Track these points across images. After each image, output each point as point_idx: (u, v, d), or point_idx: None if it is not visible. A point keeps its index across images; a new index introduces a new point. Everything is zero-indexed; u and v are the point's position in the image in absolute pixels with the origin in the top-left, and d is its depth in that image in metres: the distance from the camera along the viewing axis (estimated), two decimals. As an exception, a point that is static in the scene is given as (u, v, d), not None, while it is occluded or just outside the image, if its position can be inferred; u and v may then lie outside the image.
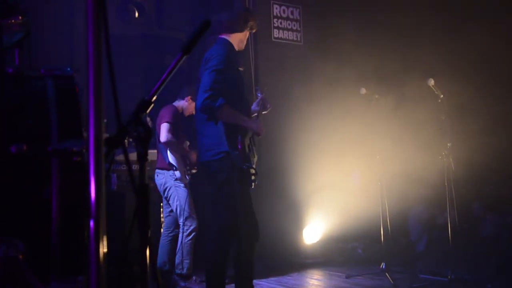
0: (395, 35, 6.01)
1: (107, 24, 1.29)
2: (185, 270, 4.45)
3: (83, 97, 1.27)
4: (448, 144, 4.67)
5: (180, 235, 4.48)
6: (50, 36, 4.86)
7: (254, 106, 3.67)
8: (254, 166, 3.34)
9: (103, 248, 1.24)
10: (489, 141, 5.02)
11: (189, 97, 4.71)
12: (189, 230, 4.44)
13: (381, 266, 4.79)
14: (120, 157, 4.21)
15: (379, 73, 5.66)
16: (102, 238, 1.23)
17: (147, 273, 1.40)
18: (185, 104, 4.75)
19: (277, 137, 5.50)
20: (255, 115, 3.62)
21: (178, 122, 4.58)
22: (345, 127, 5.74)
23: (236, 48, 3.52)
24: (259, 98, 3.70)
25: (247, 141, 3.36)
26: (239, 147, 3.28)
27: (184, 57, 1.55)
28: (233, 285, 3.44)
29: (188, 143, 4.69)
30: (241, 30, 3.49)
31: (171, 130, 4.44)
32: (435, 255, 5.17)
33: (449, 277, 4.49)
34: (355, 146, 5.63)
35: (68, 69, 2.09)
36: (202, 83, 3.28)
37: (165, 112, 4.57)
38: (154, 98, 1.50)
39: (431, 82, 4.60)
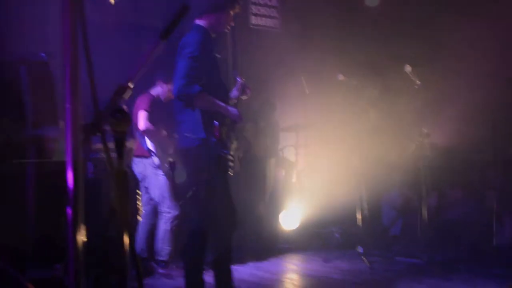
0: (376, 23, 6.05)
1: (83, 10, 1.27)
2: (165, 257, 4.46)
3: (59, 84, 1.25)
4: (424, 130, 4.76)
5: (161, 222, 4.47)
6: (22, 22, 4.73)
7: (233, 92, 3.63)
8: (232, 152, 3.34)
9: (81, 236, 1.23)
10: (465, 127, 5.12)
11: (160, 80, 4.65)
12: (170, 218, 4.44)
13: (358, 250, 4.88)
14: (98, 145, 4.16)
15: (360, 61, 5.69)
16: (80, 226, 1.23)
17: (127, 260, 1.40)
18: (159, 90, 4.69)
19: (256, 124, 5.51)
20: (235, 102, 3.59)
21: (155, 110, 4.54)
22: (324, 114, 5.77)
23: (213, 32, 3.43)
24: (238, 83, 3.65)
25: (225, 128, 3.34)
26: (217, 134, 3.26)
27: (162, 43, 1.54)
28: (211, 271, 3.45)
29: (165, 132, 4.64)
30: (214, 12, 3.35)
31: (148, 118, 4.41)
32: (411, 239, 5.29)
33: (423, 259, 4.62)
34: (334, 133, 5.68)
35: (43, 55, 2.06)
36: (177, 70, 3.23)
37: (142, 100, 4.52)
38: (132, 85, 1.49)
39: (408, 68, 4.67)
